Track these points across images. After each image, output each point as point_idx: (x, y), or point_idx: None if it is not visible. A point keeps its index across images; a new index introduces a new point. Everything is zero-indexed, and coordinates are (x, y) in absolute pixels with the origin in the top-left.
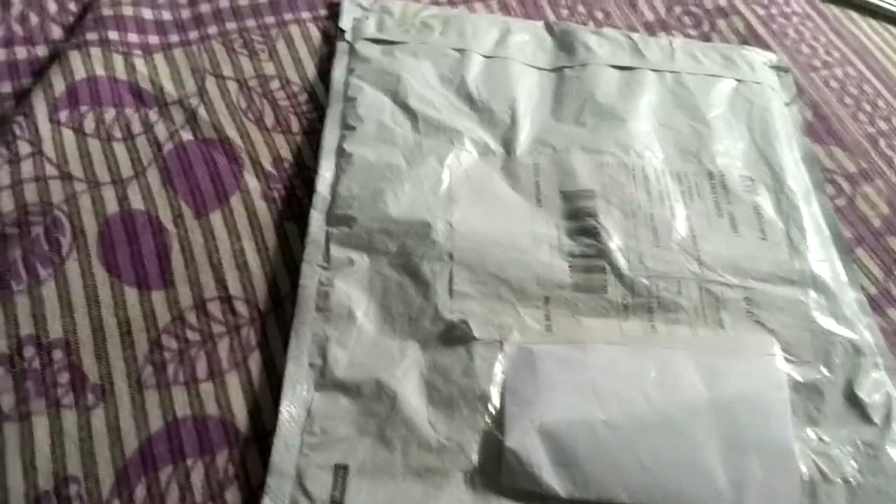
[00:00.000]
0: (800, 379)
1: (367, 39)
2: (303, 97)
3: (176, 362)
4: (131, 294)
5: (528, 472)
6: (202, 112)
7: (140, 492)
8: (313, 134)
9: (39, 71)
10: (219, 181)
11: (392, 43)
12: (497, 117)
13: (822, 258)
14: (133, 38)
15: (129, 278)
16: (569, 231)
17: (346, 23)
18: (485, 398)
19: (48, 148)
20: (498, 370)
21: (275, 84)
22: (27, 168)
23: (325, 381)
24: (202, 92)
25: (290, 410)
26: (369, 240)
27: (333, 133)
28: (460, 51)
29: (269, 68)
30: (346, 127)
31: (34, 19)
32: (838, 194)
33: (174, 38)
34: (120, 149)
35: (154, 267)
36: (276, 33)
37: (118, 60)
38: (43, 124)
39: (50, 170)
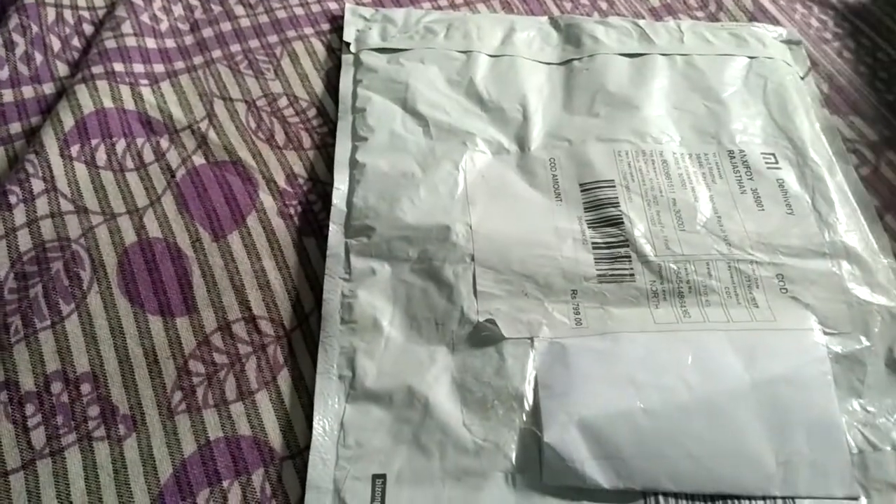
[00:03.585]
0: (840, 351)
1: (372, 49)
2: (312, 112)
3: (205, 386)
4: (155, 322)
5: (570, 468)
6: (212, 135)
7: None
8: (325, 148)
9: (48, 108)
10: (234, 203)
11: (397, 51)
12: (508, 115)
13: (852, 228)
14: (138, 67)
15: (152, 307)
16: (591, 222)
17: (349, 35)
18: (519, 396)
19: (62, 183)
20: (530, 367)
21: (283, 102)
22: (42, 205)
23: (356, 392)
24: (211, 116)
25: (322, 425)
26: (389, 248)
27: (345, 145)
28: (466, 52)
29: (275, 87)
30: (358, 138)
31: (39, 58)
32: (862, 163)
33: (179, 64)
34: (133, 178)
35: (176, 293)
36: (280, 51)
37: (125, 91)
38: (55, 160)
39: (65, 205)
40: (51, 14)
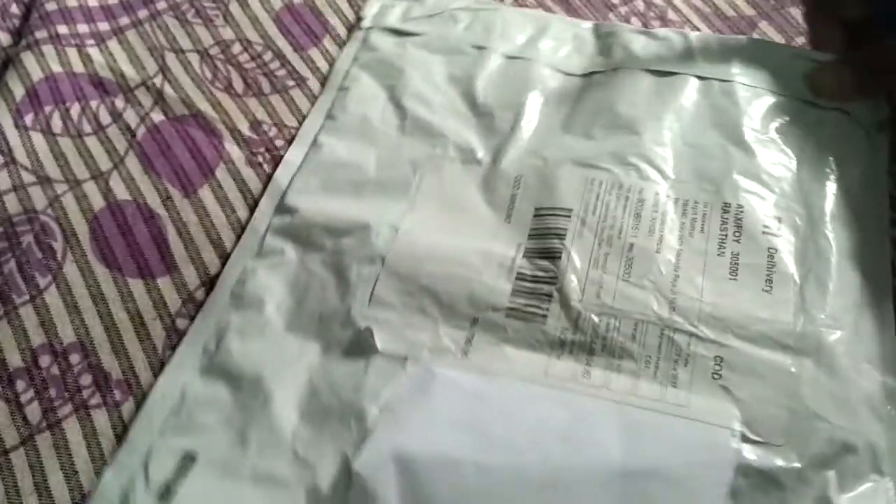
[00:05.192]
0: (755, 463)
1: (385, 29)
2: (267, 56)
3: None
4: (136, 285)
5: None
6: (168, 90)
7: None
8: (286, 91)
9: None
10: (200, 156)
11: (409, 34)
12: (496, 124)
13: (840, 325)
14: (83, 28)
15: (131, 270)
16: (528, 251)
17: (369, 10)
18: (361, 416)
19: (20, 155)
20: (388, 389)
21: (236, 48)
22: (3, 179)
23: (212, 366)
24: (164, 70)
25: (164, 389)
26: (308, 233)
27: (314, 121)
28: (480, 48)
29: (227, 33)
30: (329, 116)
31: None
32: None
33: (124, 20)
34: (93, 142)
35: (153, 254)
36: None
37: (72, 54)
38: (10, 132)
39: (27, 177)
40: None
